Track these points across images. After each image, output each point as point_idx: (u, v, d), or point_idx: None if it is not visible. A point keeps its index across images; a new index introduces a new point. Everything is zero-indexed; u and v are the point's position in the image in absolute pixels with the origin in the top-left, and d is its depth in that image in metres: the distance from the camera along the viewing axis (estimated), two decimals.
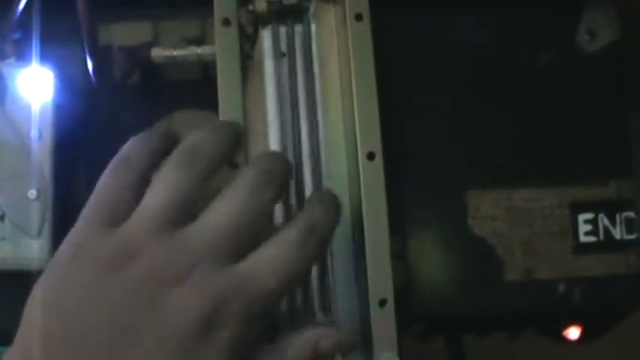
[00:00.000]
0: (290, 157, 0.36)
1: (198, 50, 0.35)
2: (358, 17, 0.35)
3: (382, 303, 0.34)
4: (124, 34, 0.39)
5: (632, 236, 0.42)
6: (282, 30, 0.36)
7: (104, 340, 0.26)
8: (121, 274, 0.26)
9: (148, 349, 0.26)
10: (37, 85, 0.37)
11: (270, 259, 0.28)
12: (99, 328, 0.26)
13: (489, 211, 0.41)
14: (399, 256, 0.40)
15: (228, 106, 0.34)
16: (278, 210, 0.35)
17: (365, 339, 0.35)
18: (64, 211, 0.37)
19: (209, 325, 0.26)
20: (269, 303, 0.29)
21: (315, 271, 0.36)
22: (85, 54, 0.37)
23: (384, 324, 0.34)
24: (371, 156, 0.35)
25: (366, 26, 0.35)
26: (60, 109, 0.37)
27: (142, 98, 0.39)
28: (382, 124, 0.35)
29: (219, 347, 0.27)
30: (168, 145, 0.29)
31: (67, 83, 0.38)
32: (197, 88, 0.40)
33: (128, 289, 0.26)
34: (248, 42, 0.36)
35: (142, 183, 0.29)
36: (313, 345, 0.29)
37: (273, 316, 0.36)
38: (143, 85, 0.39)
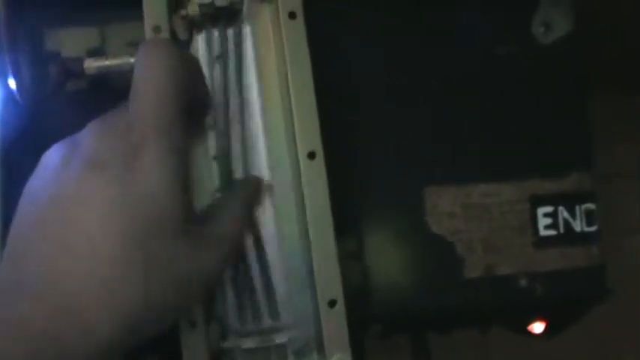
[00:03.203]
0: (228, 161, 0.36)
1: (132, 59, 0.34)
2: (292, 15, 0.34)
3: (332, 304, 0.34)
4: (70, 39, 0.39)
5: (593, 228, 0.42)
6: (217, 33, 0.36)
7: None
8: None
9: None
10: None
11: None
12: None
13: (447, 208, 0.41)
14: (355, 255, 0.40)
15: None
16: None
17: (318, 341, 0.35)
18: None
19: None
20: None
21: (260, 278, 0.35)
22: (28, 63, 0.37)
23: (334, 325, 0.34)
24: (312, 155, 0.34)
25: (299, 24, 0.34)
26: (4, 120, 0.37)
27: (90, 107, 0.38)
28: (335, 120, 0.35)
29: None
30: None
31: (10, 93, 0.37)
32: None
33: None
34: (182, 49, 0.35)
35: None
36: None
37: (223, 321, 0.35)
38: (91, 93, 0.39)
